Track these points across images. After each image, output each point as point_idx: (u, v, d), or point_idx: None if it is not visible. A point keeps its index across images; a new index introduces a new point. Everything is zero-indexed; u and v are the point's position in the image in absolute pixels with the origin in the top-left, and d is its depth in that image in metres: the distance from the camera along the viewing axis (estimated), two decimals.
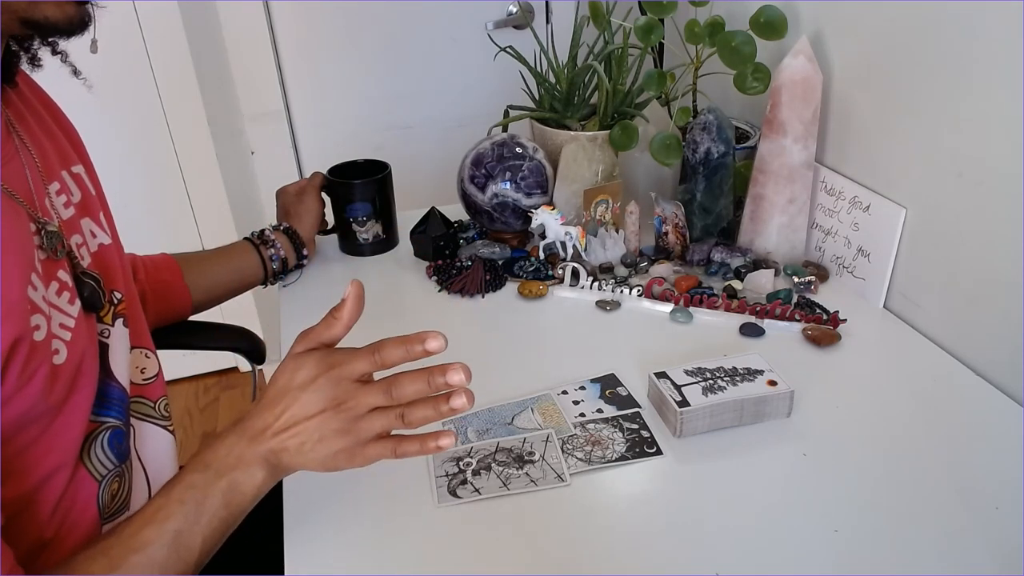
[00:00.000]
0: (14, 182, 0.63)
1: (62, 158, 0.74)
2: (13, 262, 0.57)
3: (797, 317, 0.95)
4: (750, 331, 0.94)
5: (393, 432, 0.61)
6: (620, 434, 0.78)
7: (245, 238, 1.08)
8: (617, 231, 1.11)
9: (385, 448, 0.60)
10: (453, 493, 0.71)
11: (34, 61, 0.71)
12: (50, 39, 0.65)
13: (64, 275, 0.65)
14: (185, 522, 0.58)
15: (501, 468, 0.74)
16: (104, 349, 0.70)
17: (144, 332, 0.81)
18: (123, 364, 0.73)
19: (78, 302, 0.66)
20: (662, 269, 1.06)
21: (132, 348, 0.76)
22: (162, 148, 1.87)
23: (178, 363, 2.21)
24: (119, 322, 0.73)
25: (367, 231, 1.16)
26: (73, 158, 0.76)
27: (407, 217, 1.20)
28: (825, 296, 1.01)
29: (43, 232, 0.64)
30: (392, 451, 0.60)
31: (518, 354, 0.93)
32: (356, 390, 0.60)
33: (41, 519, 0.63)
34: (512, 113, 1.21)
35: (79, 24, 0.61)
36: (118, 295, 0.74)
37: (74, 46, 0.71)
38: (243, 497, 0.60)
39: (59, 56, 0.72)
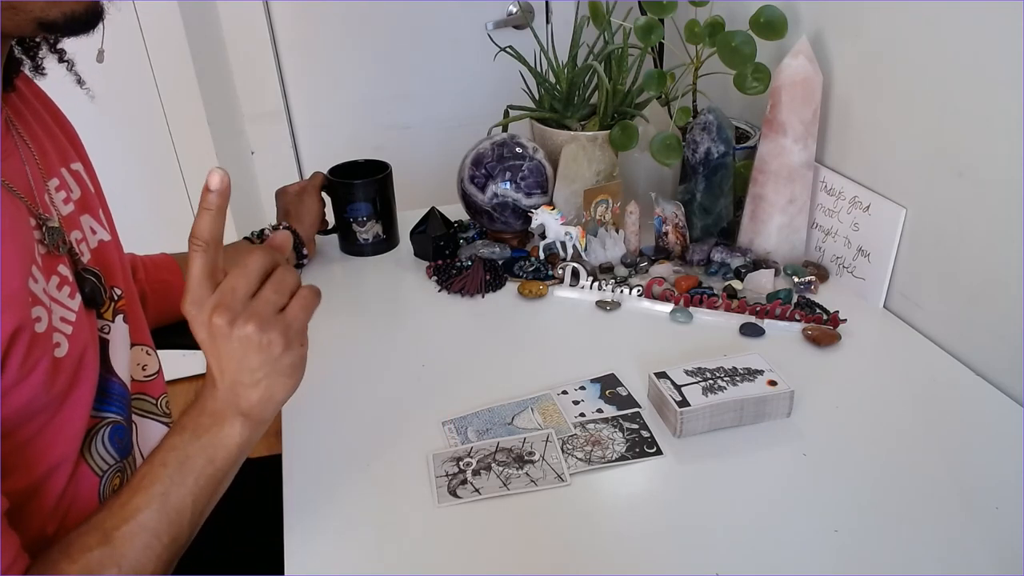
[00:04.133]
0: (14, 178, 0.63)
1: (61, 155, 0.74)
2: (13, 254, 0.57)
3: (797, 317, 0.95)
4: (750, 331, 0.94)
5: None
6: (620, 434, 0.78)
7: (245, 238, 1.08)
8: (617, 231, 1.11)
9: (306, 314, 0.60)
10: (453, 493, 0.71)
11: (38, 69, 0.71)
12: (61, 40, 0.64)
13: (64, 270, 0.66)
14: (171, 484, 0.58)
15: (501, 468, 0.74)
16: (104, 345, 0.70)
17: (144, 329, 0.81)
18: (123, 360, 0.73)
19: (78, 297, 0.66)
20: (662, 269, 1.06)
21: (133, 345, 0.76)
22: (162, 148, 1.87)
23: (178, 363, 2.20)
24: (119, 318, 0.74)
25: (367, 231, 1.16)
26: (72, 156, 0.76)
27: (407, 217, 1.20)
28: (825, 296, 1.01)
29: (44, 227, 0.64)
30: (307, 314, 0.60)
31: (518, 354, 0.93)
32: (270, 289, 0.60)
33: (43, 513, 0.63)
34: (512, 113, 1.21)
35: (95, 16, 0.60)
36: (118, 291, 0.75)
37: (79, 55, 0.72)
38: (228, 451, 0.61)
39: (65, 64, 0.72)
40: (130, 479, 0.60)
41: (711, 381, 0.79)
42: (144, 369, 0.79)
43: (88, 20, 0.60)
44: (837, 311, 0.95)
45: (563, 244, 1.08)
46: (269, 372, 0.59)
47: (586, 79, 1.15)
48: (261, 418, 0.62)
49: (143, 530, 0.57)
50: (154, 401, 0.79)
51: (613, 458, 0.75)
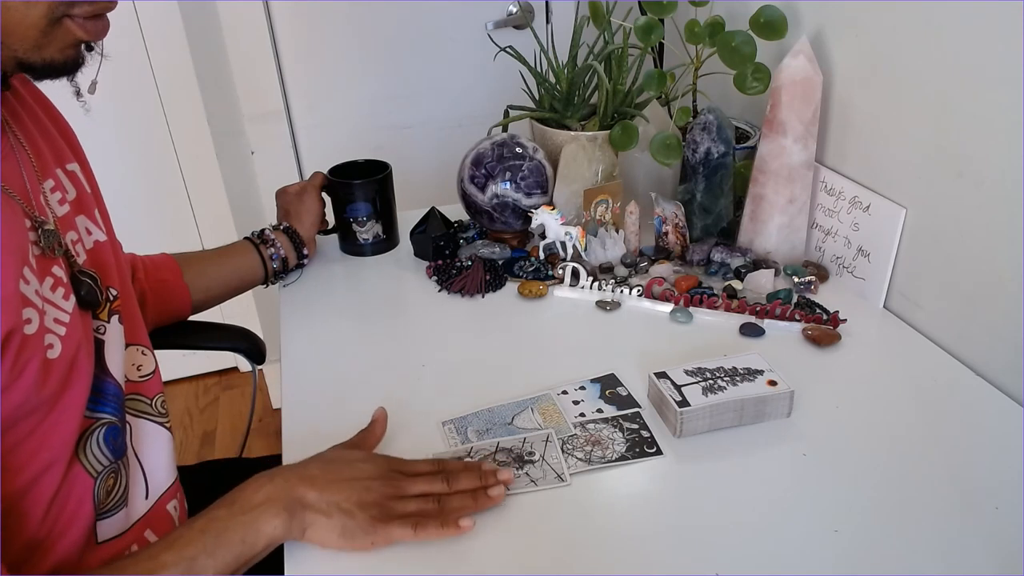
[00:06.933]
0: (9, 179, 0.64)
1: (57, 156, 0.74)
2: (5, 257, 0.58)
3: (797, 317, 0.95)
4: (750, 331, 0.94)
5: None
6: (620, 434, 0.78)
7: (245, 238, 1.08)
8: (617, 231, 1.11)
9: (406, 527, 0.64)
10: None
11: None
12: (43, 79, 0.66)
13: (59, 271, 0.66)
14: (203, 551, 0.60)
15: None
16: (100, 345, 0.70)
17: (140, 329, 0.81)
18: (118, 360, 0.73)
19: (72, 298, 0.66)
20: (662, 269, 1.06)
21: (128, 345, 0.76)
22: (162, 148, 1.87)
23: (178, 363, 2.21)
24: (115, 319, 0.74)
25: (367, 231, 1.16)
26: (68, 156, 0.76)
27: (407, 217, 1.20)
28: (825, 296, 1.01)
29: (40, 230, 0.64)
30: (413, 529, 0.64)
31: (518, 354, 0.93)
32: (409, 480, 0.68)
33: (35, 515, 0.63)
34: (512, 113, 1.21)
35: (73, 65, 0.64)
36: (113, 292, 0.75)
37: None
38: (257, 536, 0.62)
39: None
40: (166, 535, 0.62)
41: (711, 381, 0.79)
42: (139, 369, 0.79)
43: (66, 69, 0.63)
44: (837, 311, 0.95)
45: (563, 244, 1.08)
46: (351, 500, 0.65)
47: (586, 79, 1.15)
48: (297, 520, 0.64)
49: None
50: (149, 401, 0.79)
51: (613, 458, 0.75)
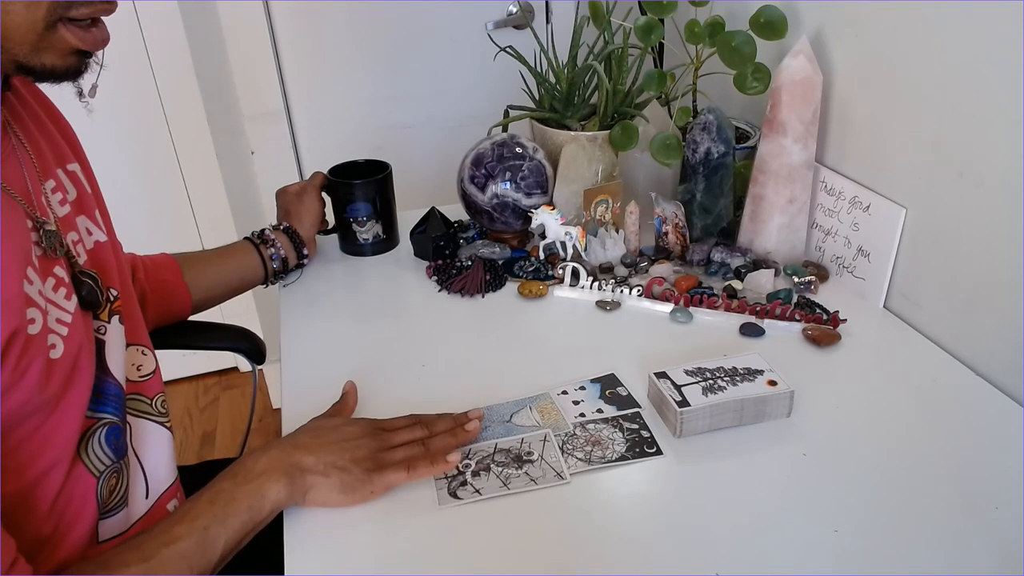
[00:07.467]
0: (10, 180, 0.64)
1: (57, 156, 0.74)
2: (9, 257, 0.58)
3: (797, 317, 0.95)
4: (750, 331, 0.94)
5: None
6: (620, 434, 0.78)
7: (245, 238, 1.08)
8: (617, 231, 1.11)
9: (399, 470, 0.70)
10: (453, 494, 0.71)
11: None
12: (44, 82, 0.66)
13: (61, 272, 0.66)
14: (213, 520, 0.63)
15: (500, 468, 0.74)
16: (100, 346, 0.70)
17: (140, 329, 0.81)
18: (119, 361, 0.73)
19: (74, 298, 0.66)
20: (662, 269, 1.06)
21: (128, 345, 0.76)
22: (162, 148, 1.87)
23: (178, 363, 2.21)
24: (115, 319, 0.74)
25: (367, 231, 1.16)
26: (69, 156, 0.76)
27: (407, 217, 1.20)
28: (825, 296, 1.01)
29: (41, 230, 0.64)
30: (406, 471, 0.70)
31: (518, 354, 0.93)
32: (392, 432, 0.74)
33: (39, 514, 0.63)
34: (512, 113, 1.21)
35: (75, 72, 0.64)
36: (114, 292, 0.75)
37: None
38: (263, 502, 0.66)
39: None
40: (174, 511, 0.65)
41: (711, 381, 0.79)
42: (139, 369, 0.79)
43: (67, 75, 0.63)
44: (837, 311, 0.95)
45: (563, 244, 1.08)
46: (344, 458, 0.70)
47: (586, 79, 1.15)
48: (298, 485, 0.68)
49: (180, 557, 0.61)
50: (149, 401, 0.79)
51: (613, 458, 0.75)
